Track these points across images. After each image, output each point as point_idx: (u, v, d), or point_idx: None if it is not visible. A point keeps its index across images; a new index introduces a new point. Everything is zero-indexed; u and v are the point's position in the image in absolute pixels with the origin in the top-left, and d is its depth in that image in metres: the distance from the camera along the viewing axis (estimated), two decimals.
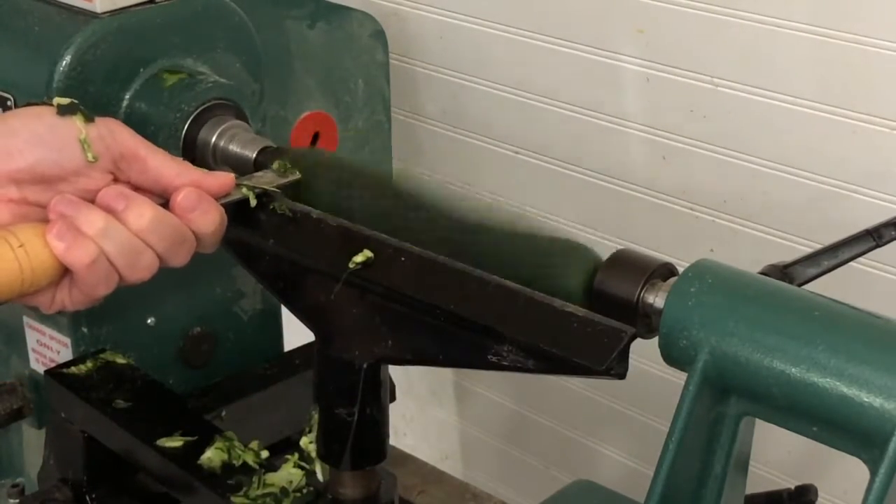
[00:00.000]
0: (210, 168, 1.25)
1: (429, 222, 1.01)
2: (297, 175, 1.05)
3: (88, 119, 0.93)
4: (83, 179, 0.92)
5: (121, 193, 0.91)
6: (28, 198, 0.91)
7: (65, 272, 0.89)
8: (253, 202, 1.00)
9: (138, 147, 0.95)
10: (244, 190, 1.01)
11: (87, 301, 0.91)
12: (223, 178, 0.97)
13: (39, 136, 0.92)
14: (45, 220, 0.90)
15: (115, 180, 0.94)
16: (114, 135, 0.94)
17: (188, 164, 0.97)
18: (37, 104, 0.96)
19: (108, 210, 0.90)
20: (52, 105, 0.94)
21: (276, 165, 1.07)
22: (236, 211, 1.01)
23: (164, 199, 0.95)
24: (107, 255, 0.89)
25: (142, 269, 0.91)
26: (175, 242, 0.92)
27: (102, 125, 0.94)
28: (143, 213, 0.90)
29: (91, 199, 0.92)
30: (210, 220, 0.94)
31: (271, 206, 1.02)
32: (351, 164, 1.11)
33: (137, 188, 0.95)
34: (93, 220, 0.89)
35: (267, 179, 1.04)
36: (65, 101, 0.94)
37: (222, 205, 0.97)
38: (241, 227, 1.02)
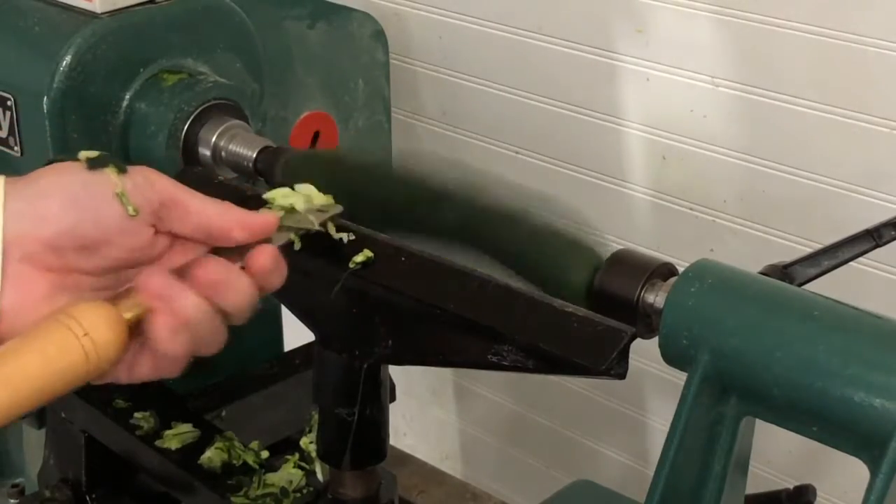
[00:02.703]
0: (212, 169, 1.25)
1: (436, 207, 1.00)
2: (339, 208, 0.96)
3: (121, 170, 0.85)
4: (127, 237, 0.84)
5: (224, 265, 0.84)
6: (70, 265, 0.83)
7: (132, 351, 0.82)
8: (297, 245, 0.93)
9: (177, 192, 0.86)
10: (291, 235, 0.93)
11: (152, 377, 0.84)
12: (267, 218, 0.89)
13: (74, 196, 0.83)
14: (100, 290, 0.83)
15: (157, 232, 0.86)
16: (151, 183, 0.85)
17: (229, 204, 0.89)
18: (62, 160, 0.87)
19: (207, 288, 0.83)
20: (78, 160, 0.86)
21: (307, 193, 0.97)
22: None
23: (208, 246, 0.88)
24: (196, 339, 0.83)
25: (214, 343, 0.84)
26: (250, 307, 0.85)
27: (137, 174, 0.85)
28: (241, 290, 0.84)
29: (138, 256, 0.85)
30: (282, 275, 0.87)
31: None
32: (351, 159, 1.10)
33: (178, 237, 0.87)
34: (187, 306, 0.82)
35: (307, 216, 0.95)
36: (93, 153, 0.86)
37: None
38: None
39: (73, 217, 0.82)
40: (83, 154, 0.85)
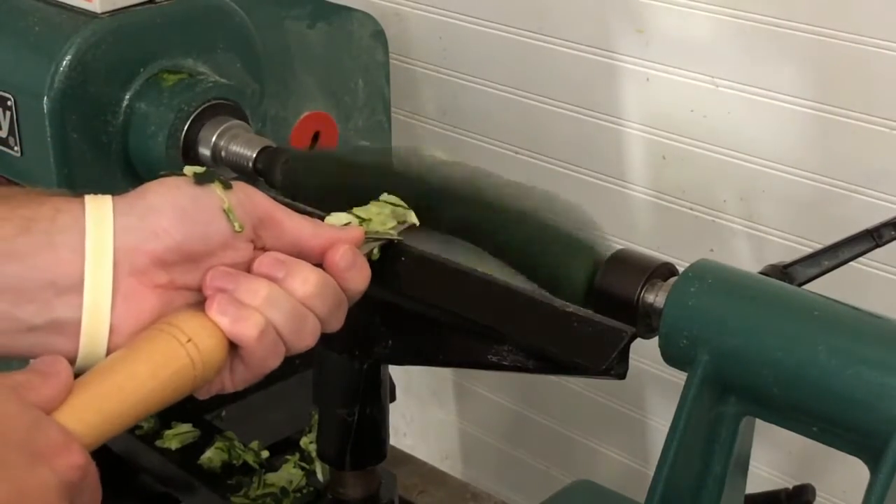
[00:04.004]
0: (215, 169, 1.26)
1: (437, 204, 1.00)
2: (415, 219, 0.97)
3: (226, 185, 0.85)
4: (229, 252, 0.84)
5: (278, 260, 0.84)
6: (176, 280, 0.83)
7: (230, 354, 0.82)
8: (376, 255, 0.94)
9: (275, 210, 0.87)
10: (374, 249, 0.94)
11: (251, 378, 0.84)
12: (355, 232, 0.90)
13: (184, 211, 0.83)
14: (197, 304, 0.83)
15: (255, 248, 0.86)
16: (252, 199, 0.86)
17: (320, 222, 0.90)
18: (168, 175, 0.87)
19: (269, 279, 0.83)
20: (184, 174, 0.85)
21: (387, 203, 0.99)
22: None
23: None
24: (273, 324, 0.82)
25: (307, 335, 0.84)
26: (335, 305, 0.85)
27: (240, 190, 0.86)
28: (307, 279, 0.84)
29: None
30: (364, 277, 0.88)
31: (401, 257, 0.96)
32: (351, 158, 1.10)
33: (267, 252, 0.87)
34: (256, 290, 0.82)
35: (386, 227, 0.96)
36: (199, 169, 0.86)
37: None
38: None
39: (182, 232, 0.82)
40: (189, 169, 0.85)
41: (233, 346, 0.82)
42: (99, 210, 0.82)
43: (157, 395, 0.77)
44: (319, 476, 1.25)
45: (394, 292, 0.96)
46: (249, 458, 1.28)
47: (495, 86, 1.78)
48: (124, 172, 1.28)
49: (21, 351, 0.81)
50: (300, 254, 0.86)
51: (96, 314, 0.80)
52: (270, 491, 1.24)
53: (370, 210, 0.96)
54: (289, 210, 0.88)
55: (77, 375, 0.76)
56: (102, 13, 1.25)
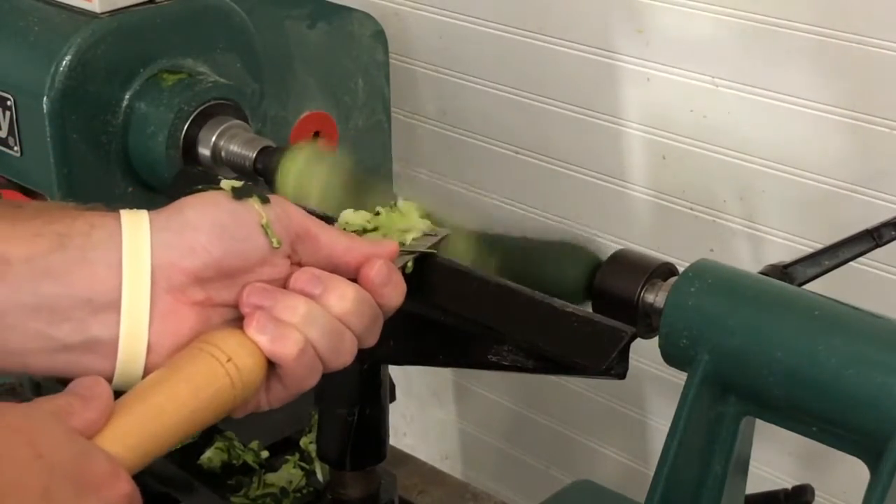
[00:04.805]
0: (212, 169, 1.25)
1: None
2: (447, 231, 0.96)
3: (264, 200, 0.83)
4: (267, 268, 0.82)
5: (315, 276, 0.83)
6: (213, 297, 0.81)
7: (268, 373, 0.81)
8: (410, 268, 0.92)
9: (311, 225, 0.85)
10: (408, 262, 0.92)
11: (288, 398, 0.82)
12: (390, 246, 0.88)
13: (223, 227, 0.81)
14: (233, 321, 0.81)
15: (292, 264, 0.85)
16: (288, 215, 0.84)
17: (354, 236, 0.88)
18: (205, 188, 0.85)
19: (306, 295, 0.82)
20: (222, 189, 0.84)
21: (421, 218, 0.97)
22: None
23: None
24: (312, 342, 0.80)
25: (345, 352, 0.82)
26: (372, 320, 0.84)
27: (277, 205, 0.84)
28: (344, 295, 0.82)
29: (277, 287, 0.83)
30: (400, 292, 0.86)
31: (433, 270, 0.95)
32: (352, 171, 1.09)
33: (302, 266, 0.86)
34: (294, 307, 0.80)
35: (420, 241, 0.95)
36: (237, 183, 0.84)
37: None
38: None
39: (220, 249, 0.80)
40: (227, 183, 0.84)
41: (271, 365, 0.80)
42: (135, 225, 0.80)
43: (198, 416, 0.76)
44: (319, 476, 1.25)
45: (427, 305, 0.95)
46: (249, 458, 1.28)
47: (495, 86, 1.78)
48: (124, 172, 1.28)
49: (56, 371, 0.79)
50: (335, 268, 0.85)
51: (134, 333, 0.78)
52: (270, 491, 1.24)
53: (392, 216, 0.95)
54: (323, 224, 0.86)
55: (114, 395, 0.74)
56: (102, 13, 1.25)
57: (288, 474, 1.26)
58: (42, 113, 1.23)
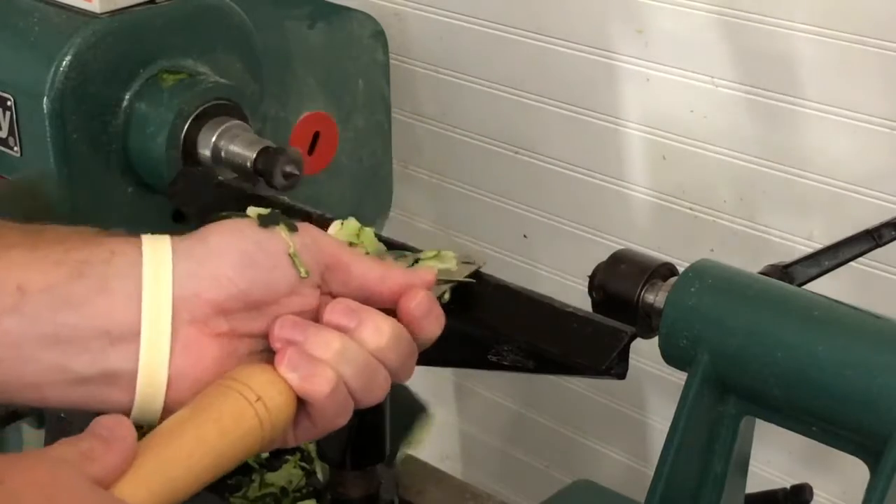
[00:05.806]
0: (212, 169, 1.25)
1: None
2: (484, 261, 0.93)
3: (292, 228, 0.80)
4: (295, 299, 0.79)
5: (350, 308, 0.78)
6: (238, 329, 0.77)
7: (297, 410, 0.77)
8: (446, 298, 0.89)
9: (342, 253, 0.82)
10: (445, 293, 0.89)
11: (316, 435, 0.79)
12: (427, 276, 0.84)
13: (249, 257, 0.77)
14: (259, 353, 0.78)
15: (322, 294, 0.81)
16: (318, 243, 0.80)
17: (389, 265, 0.84)
18: (230, 216, 0.82)
19: (339, 329, 0.77)
20: (248, 216, 0.81)
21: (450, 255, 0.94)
22: None
23: None
24: (345, 380, 0.76)
25: (378, 389, 0.78)
26: (408, 355, 0.80)
27: (305, 233, 0.80)
28: (381, 329, 0.78)
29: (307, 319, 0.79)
30: (439, 324, 0.82)
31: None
32: None
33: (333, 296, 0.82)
34: (327, 342, 0.76)
35: (454, 270, 0.92)
36: (264, 210, 0.81)
37: None
38: None
39: (246, 280, 0.77)
40: (253, 210, 0.81)
41: (300, 402, 0.76)
42: (157, 254, 0.77)
43: (224, 459, 0.73)
44: (319, 476, 1.25)
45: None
46: (249, 458, 1.28)
47: (495, 86, 1.78)
48: (124, 173, 1.28)
49: (73, 403, 0.76)
50: (368, 299, 0.81)
51: (153, 366, 0.75)
52: (270, 491, 1.23)
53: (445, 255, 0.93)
54: (355, 252, 0.83)
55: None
56: (102, 13, 1.25)
57: (288, 474, 1.26)
58: (42, 113, 1.23)
